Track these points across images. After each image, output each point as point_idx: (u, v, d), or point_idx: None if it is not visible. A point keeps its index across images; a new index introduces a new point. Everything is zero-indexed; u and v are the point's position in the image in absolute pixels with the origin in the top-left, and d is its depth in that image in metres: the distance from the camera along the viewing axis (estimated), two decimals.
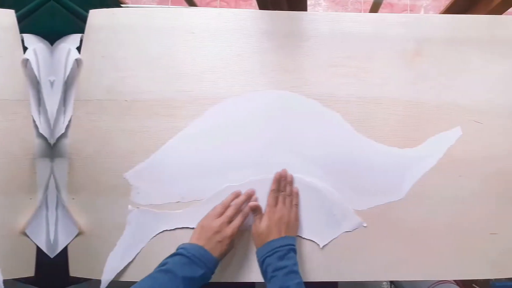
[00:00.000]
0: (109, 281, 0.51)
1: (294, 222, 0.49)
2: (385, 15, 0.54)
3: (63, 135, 0.53)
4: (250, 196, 0.51)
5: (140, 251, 0.52)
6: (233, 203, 0.49)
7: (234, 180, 0.53)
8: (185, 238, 0.51)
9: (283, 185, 0.51)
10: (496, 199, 0.53)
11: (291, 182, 0.51)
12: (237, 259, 0.51)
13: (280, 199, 0.49)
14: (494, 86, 0.54)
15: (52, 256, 0.51)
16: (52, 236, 0.52)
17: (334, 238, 0.52)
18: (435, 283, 0.58)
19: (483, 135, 0.53)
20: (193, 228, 0.52)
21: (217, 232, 0.45)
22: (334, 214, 0.52)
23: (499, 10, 0.56)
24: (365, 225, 0.52)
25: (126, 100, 0.53)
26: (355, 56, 0.54)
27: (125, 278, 0.51)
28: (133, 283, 0.54)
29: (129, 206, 0.52)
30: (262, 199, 0.52)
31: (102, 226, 0.52)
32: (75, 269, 0.52)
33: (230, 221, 0.47)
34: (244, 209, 0.49)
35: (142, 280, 0.41)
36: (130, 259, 0.51)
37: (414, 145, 0.53)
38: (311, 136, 0.53)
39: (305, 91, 0.53)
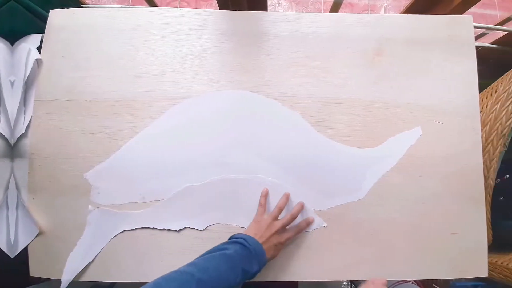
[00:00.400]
0: (69, 281, 0.51)
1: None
2: (346, 15, 0.54)
3: (23, 135, 0.53)
4: (302, 207, 0.51)
5: (100, 251, 0.52)
6: (290, 213, 0.49)
7: (195, 180, 0.53)
8: (146, 238, 0.52)
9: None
10: (456, 199, 0.53)
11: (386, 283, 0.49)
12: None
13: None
14: (454, 86, 0.54)
15: (12, 256, 0.51)
16: (12, 236, 0.52)
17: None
18: (395, 283, 0.58)
19: (443, 135, 0.53)
20: (153, 228, 0.52)
21: (276, 235, 0.46)
22: None
23: (459, 10, 0.56)
24: (325, 225, 0.52)
25: (86, 100, 0.53)
26: (315, 56, 0.54)
27: (85, 278, 0.51)
28: (93, 283, 0.54)
29: (89, 206, 0.52)
30: (223, 198, 0.52)
31: (62, 226, 0.52)
32: (35, 269, 0.52)
33: (285, 229, 0.48)
34: (301, 224, 0.50)
35: (204, 259, 0.40)
36: (91, 259, 0.51)
37: (375, 145, 0.53)
38: (271, 136, 0.53)
39: (265, 91, 0.53)
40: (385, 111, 0.53)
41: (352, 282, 0.62)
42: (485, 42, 0.69)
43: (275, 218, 0.48)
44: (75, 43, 0.54)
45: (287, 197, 0.51)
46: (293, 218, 0.49)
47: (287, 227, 0.49)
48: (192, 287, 0.35)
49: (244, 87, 0.53)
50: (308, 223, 0.51)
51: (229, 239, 0.45)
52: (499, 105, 0.56)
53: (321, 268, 0.52)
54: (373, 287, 0.47)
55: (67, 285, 0.50)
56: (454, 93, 0.53)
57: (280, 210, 0.49)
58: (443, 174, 0.53)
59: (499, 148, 0.55)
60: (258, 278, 0.50)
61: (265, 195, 0.51)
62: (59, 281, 0.51)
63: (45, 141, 0.53)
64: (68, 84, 0.53)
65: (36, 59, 0.53)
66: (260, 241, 0.44)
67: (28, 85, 0.53)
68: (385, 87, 0.54)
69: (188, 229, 0.52)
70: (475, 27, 0.56)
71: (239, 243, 0.43)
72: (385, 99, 0.54)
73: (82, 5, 0.62)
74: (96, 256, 0.51)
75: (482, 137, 0.55)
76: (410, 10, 0.65)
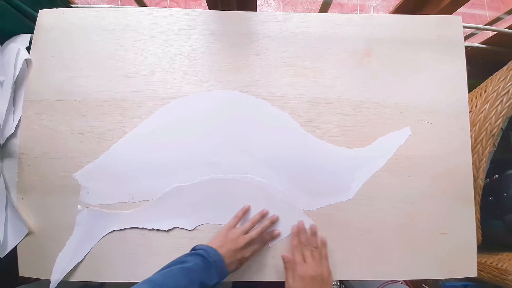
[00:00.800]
0: (59, 281, 0.51)
1: (327, 278, 0.46)
2: (335, 15, 0.54)
3: (12, 135, 0.53)
4: (274, 223, 0.51)
5: (89, 251, 0.52)
6: (260, 226, 0.49)
7: (184, 180, 0.53)
8: (135, 238, 0.52)
9: (304, 238, 0.49)
10: (445, 199, 0.53)
11: (315, 233, 0.50)
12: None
13: (308, 254, 0.47)
14: (443, 86, 0.54)
15: (1, 256, 0.51)
16: (1, 236, 0.52)
17: (283, 238, 0.52)
18: (385, 283, 0.58)
19: (432, 135, 0.53)
20: (142, 228, 0.52)
21: (241, 249, 0.46)
22: (283, 214, 0.52)
23: (448, 10, 0.56)
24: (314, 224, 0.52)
25: (75, 100, 0.53)
26: (304, 56, 0.54)
27: (75, 278, 0.51)
28: (83, 283, 0.54)
29: (79, 206, 0.52)
30: (212, 198, 0.52)
31: (51, 226, 0.52)
32: (25, 269, 0.52)
33: (252, 243, 0.48)
34: (266, 237, 0.50)
35: (162, 274, 0.39)
36: (80, 259, 0.51)
37: (364, 145, 0.53)
38: (261, 136, 0.53)
39: (254, 91, 0.53)
40: (374, 111, 0.53)
41: (341, 282, 0.62)
42: (474, 42, 0.69)
43: (245, 232, 0.48)
44: (64, 43, 0.54)
45: (262, 216, 0.50)
46: (262, 231, 0.49)
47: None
48: None
49: (234, 87, 0.53)
50: (272, 237, 0.51)
51: (192, 249, 0.45)
52: (488, 105, 0.56)
53: None
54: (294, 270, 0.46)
55: (56, 284, 0.50)
56: (443, 93, 0.53)
57: (252, 225, 0.49)
58: (432, 174, 0.53)
59: (488, 148, 0.55)
60: (247, 278, 0.51)
61: (245, 211, 0.51)
62: (49, 281, 0.51)
63: (34, 141, 0.53)
64: (57, 84, 0.53)
65: (26, 59, 0.53)
66: (224, 253, 0.44)
67: (17, 85, 0.53)
68: (374, 87, 0.54)
69: (177, 229, 0.52)
70: (464, 27, 0.56)
71: (200, 255, 0.42)
72: (374, 99, 0.54)
73: (71, 5, 0.62)
74: (85, 256, 0.51)
75: (471, 137, 0.55)
76: (399, 10, 0.65)
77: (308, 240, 0.49)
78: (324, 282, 0.45)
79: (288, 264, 0.47)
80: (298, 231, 0.50)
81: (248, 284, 0.52)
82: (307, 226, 0.51)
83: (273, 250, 0.51)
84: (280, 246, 0.52)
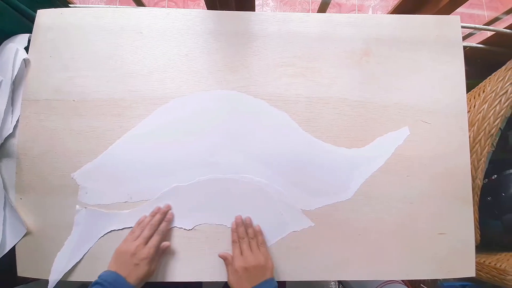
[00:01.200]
0: (57, 281, 0.51)
1: (264, 265, 0.47)
2: (333, 15, 0.54)
3: (11, 135, 0.53)
4: (165, 213, 0.50)
5: (88, 251, 0.52)
6: (149, 223, 0.48)
7: (182, 180, 0.53)
8: None
9: (241, 232, 0.50)
10: (444, 199, 0.53)
11: (249, 224, 0.51)
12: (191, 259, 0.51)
13: (245, 247, 0.48)
14: (442, 86, 0.54)
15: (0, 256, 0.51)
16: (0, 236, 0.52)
17: (281, 237, 0.52)
18: (383, 283, 0.58)
19: (431, 135, 0.53)
20: None
21: (133, 254, 0.44)
22: (281, 214, 0.52)
23: (447, 10, 0.56)
24: (313, 224, 0.52)
25: (74, 100, 0.53)
26: (303, 56, 0.54)
27: (73, 278, 0.51)
28: (81, 283, 0.54)
29: (77, 206, 0.52)
30: (211, 198, 0.52)
31: (50, 226, 0.52)
32: (23, 269, 0.52)
33: (147, 242, 0.47)
34: (161, 227, 0.49)
35: None
36: (78, 259, 0.51)
37: (362, 145, 0.53)
38: (259, 136, 0.53)
39: (253, 91, 0.53)
40: (373, 111, 0.53)
41: (340, 282, 0.62)
42: (472, 42, 0.69)
43: (135, 239, 0.47)
44: (62, 43, 0.54)
45: (153, 214, 0.50)
46: (152, 229, 0.48)
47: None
48: None
49: (232, 87, 0.53)
50: (168, 220, 0.50)
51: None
52: (486, 105, 0.56)
53: (309, 268, 0.52)
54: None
55: (54, 284, 0.50)
56: (441, 93, 0.53)
57: (141, 229, 0.48)
58: (431, 174, 0.53)
59: (486, 148, 0.55)
60: None
61: (150, 218, 0.50)
62: (47, 281, 0.51)
63: (32, 141, 0.53)
64: (55, 84, 0.53)
65: (24, 59, 0.53)
66: (117, 269, 0.44)
67: (15, 85, 0.53)
68: (372, 87, 0.54)
69: (175, 228, 0.52)
70: (462, 27, 0.57)
71: (97, 283, 0.42)
72: (373, 99, 0.54)
73: (69, 5, 0.62)
74: (83, 256, 0.51)
75: (469, 137, 0.55)
76: (398, 10, 0.65)
77: (243, 233, 0.50)
78: (260, 269, 0.46)
79: (226, 261, 0.49)
80: (236, 227, 0.50)
81: None
82: (303, 226, 0.52)
83: (271, 250, 0.51)
84: (279, 245, 0.52)
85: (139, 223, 0.50)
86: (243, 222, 0.51)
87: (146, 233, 0.47)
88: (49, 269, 0.51)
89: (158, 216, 0.50)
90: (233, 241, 0.50)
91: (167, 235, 0.51)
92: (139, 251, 0.45)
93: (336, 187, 0.53)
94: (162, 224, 0.49)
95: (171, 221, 0.51)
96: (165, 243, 0.49)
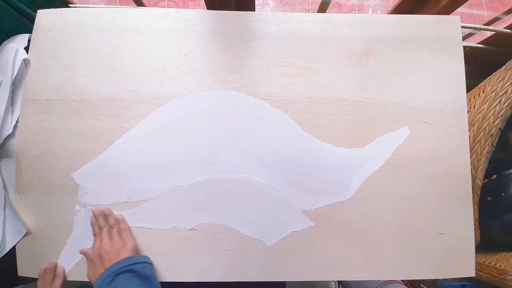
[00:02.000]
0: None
1: (121, 246, 0.47)
2: (333, 15, 0.54)
3: (10, 135, 0.53)
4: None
5: None
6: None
7: (182, 180, 0.53)
8: (134, 237, 0.51)
9: (101, 221, 0.50)
10: (443, 199, 0.53)
11: (109, 213, 0.50)
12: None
13: (103, 235, 0.49)
14: (442, 86, 0.54)
15: (0, 256, 0.51)
16: (0, 236, 0.52)
17: (281, 238, 0.52)
18: (383, 283, 0.58)
19: (430, 135, 0.53)
20: (141, 227, 0.52)
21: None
22: (281, 214, 0.52)
23: (446, 10, 0.56)
24: (312, 225, 0.52)
25: (74, 100, 0.53)
26: (303, 56, 0.54)
27: (73, 278, 0.51)
28: (81, 283, 0.54)
29: (77, 206, 0.52)
30: (211, 198, 0.52)
31: (50, 226, 0.52)
32: (24, 269, 0.52)
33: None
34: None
35: None
36: (79, 259, 0.51)
37: (362, 145, 0.53)
38: (259, 136, 0.53)
39: (252, 91, 0.53)
40: (373, 111, 0.53)
41: (340, 282, 0.62)
42: (472, 42, 0.69)
43: None
44: (62, 43, 0.54)
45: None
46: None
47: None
48: None
49: (232, 87, 0.53)
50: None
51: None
52: (486, 105, 0.56)
53: (309, 268, 0.52)
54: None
55: None
56: (441, 93, 0.53)
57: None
58: (431, 174, 0.53)
59: (486, 148, 0.55)
60: (247, 278, 0.51)
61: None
62: None
63: (32, 141, 0.53)
64: (55, 84, 0.53)
65: (24, 59, 0.53)
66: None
67: (15, 85, 0.53)
68: (372, 87, 0.54)
69: (175, 228, 0.52)
70: (462, 27, 0.56)
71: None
72: (373, 99, 0.54)
73: (69, 5, 0.62)
74: (83, 256, 0.51)
75: (469, 137, 0.55)
76: (398, 10, 0.65)
77: (104, 223, 0.50)
78: (115, 252, 0.46)
79: (86, 255, 0.48)
80: (95, 219, 0.50)
81: (247, 284, 0.52)
82: (303, 226, 0.52)
83: (271, 250, 0.51)
84: (279, 246, 0.52)
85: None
86: (102, 212, 0.50)
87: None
88: None
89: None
90: (94, 234, 0.50)
91: None
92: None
93: (335, 187, 0.53)
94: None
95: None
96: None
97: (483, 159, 0.55)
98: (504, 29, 0.64)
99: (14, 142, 0.53)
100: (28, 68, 0.54)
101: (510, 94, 0.54)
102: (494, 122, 0.55)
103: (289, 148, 0.53)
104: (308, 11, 1.12)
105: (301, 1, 1.14)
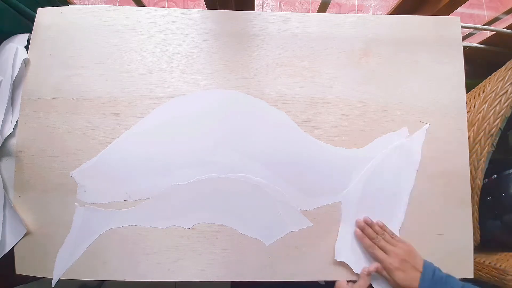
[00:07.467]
0: (60, 276, 0.51)
1: (410, 247, 0.48)
2: (333, 15, 0.54)
3: (11, 135, 0.53)
4: None
5: (86, 249, 0.51)
6: None
7: (181, 179, 0.53)
8: (132, 236, 0.52)
9: (372, 233, 0.50)
10: (442, 199, 0.53)
11: (371, 223, 0.51)
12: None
13: (383, 243, 0.49)
14: (441, 87, 0.54)
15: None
16: None
17: (280, 237, 0.52)
18: None
19: (430, 135, 0.53)
20: (139, 226, 0.52)
21: None
22: (280, 214, 0.52)
23: (446, 10, 0.56)
24: (311, 225, 0.52)
25: (73, 99, 0.53)
26: (302, 56, 0.54)
27: (73, 276, 0.51)
28: (81, 283, 0.54)
29: (76, 204, 0.52)
30: (209, 197, 0.52)
31: (48, 224, 0.52)
32: (21, 268, 0.52)
33: None
34: None
35: None
36: (78, 256, 0.51)
37: (361, 145, 0.53)
38: (258, 136, 0.53)
39: (252, 91, 0.53)
40: (372, 111, 0.53)
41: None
42: (472, 42, 0.69)
43: None
44: (62, 41, 0.54)
45: None
46: None
47: None
48: None
49: (231, 86, 0.53)
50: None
51: None
52: (486, 105, 0.56)
53: (308, 268, 0.52)
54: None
55: (57, 279, 0.50)
56: (441, 94, 0.53)
57: None
58: (430, 174, 0.53)
59: (487, 148, 0.55)
60: (245, 278, 0.51)
61: None
62: (47, 281, 0.51)
63: (31, 139, 0.53)
64: (55, 83, 0.53)
65: (24, 59, 0.53)
66: None
67: (15, 84, 0.53)
68: (372, 88, 0.54)
69: (174, 227, 0.51)
70: (462, 27, 0.56)
71: None
72: (372, 100, 0.54)
73: (69, 5, 0.62)
74: (82, 254, 0.51)
75: (469, 137, 0.55)
76: (398, 10, 0.65)
77: (374, 233, 0.50)
78: (412, 254, 0.48)
79: (378, 270, 0.48)
80: (363, 230, 0.50)
81: (247, 284, 0.52)
82: (302, 226, 0.52)
83: (270, 250, 0.51)
84: (278, 245, 0.51)
85: None
86: (365, 222, 0.51)
87: None
88: (47, 267, 0.51)
89: None
90: (369, 247, 0.49)
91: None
92: None
93: (334, 187, 0.53)
94: None
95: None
96: None
97: (483, 159, 0.55)
98: (504, 29, 0.64)
99: (14, 142, 0.53)
100: (28, 67, 0.54)
101: (510, 94, 0.54)
102: (494, 122, 0.54)
103: (288, 148, 0.53)
104: (308, 11, 1.12)
105: (301, 1, 1.14)
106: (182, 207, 0.52)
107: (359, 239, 0.51)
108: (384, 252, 0.48)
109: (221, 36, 0.54)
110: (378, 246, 0.49)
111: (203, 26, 0.54)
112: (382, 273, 0.48)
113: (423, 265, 0.46)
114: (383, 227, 0.50)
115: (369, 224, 0.51)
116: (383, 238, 0.49)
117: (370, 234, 0.50)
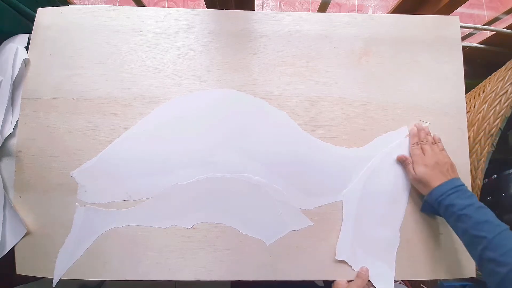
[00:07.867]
0: (60, 276, 0.51)
1: (452, 163, 0.49)
2: (333, 14, 0.54)
3: (11, 135, 0.53)
4: None
5: (87, 249, 0.51)
6: None
7: (182, 179, 0.53)
8: (132, 236, 0.52)
9: (423, 136, 0.51)
10: None
11: (429, 132, 0.53)
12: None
13: (427, 147, 0.50)
14: (441, 86, 0.54)
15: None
16: None
17: (280, 237, 0.52)
18: None
19: None
20: (140, 226, 0.52)
21: None
22: (280, 213, 0.52)
23: (446, 10, 0.56)
24: (311, 224, 0.52)
25: (73, 99, 0.53)
26: (302, 55, 0.54)
27: (73, 276, 0.51)
28: (81, 283, 0.54)
29: (76, 204, 0.52)
30: (210, 197, 0.52)
31: (49, 224, 0.52)
32: (22, 267, 0.52)
33: None
34: None
35: None
36: (79, 256, 0.51)
37: (361, 144, 0.53)
38: (258, 135, 0.53)
39: (252, 90, 0.53)
40: (372, 110, 0.53)
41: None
42: (472, 42, 0.69)
43: None
44: (62, 41, 0.54)
45: None
46: None
47: None
48: None
49: (231, 86, 0.53)
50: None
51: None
52: (486, 105, 0.56)
53: (308, 267, 0.52)
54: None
55: (58, 279, 0.50)
56: (441, 93, 0.53)
57: None
58: None
59: (487, 148, 0.55)
60: (246, 277, 0.51)
61: None
62: (47, 281, 0.51)
63: (32, 139, 0.53)
64: (55, 82, 0.53)
65: (24, 59, 0.53)
66: None
67: (16, 85, 0.53)
68: (372, 87, 0.54)
69: (174, 227, 0.51)
70: (462, 27, 0.57)
71: None
72: (372, 99, 0.54)
73: (69, 5, 0.62)
74: (83, 254, 0.51)
75: (469, 137, 0.55)
76: (398, 10, 0.65)
77: (426, 137, 0.51)
78: (450, 165, 0.48)
79: (407, 160, 0.51)
80: (418, 131, 0.52)
81: (247, 284, 0.52)
82: (302, 226, 0.52)
83: (270, 249, 0.51)
84: (278, 245, 0.51)
85: None
86: (424, 130, 0.52)
87: None
88: (48, 267, 0.51)
89: None
90: (414, 143, 0.51)
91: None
92: None
93: (335, 187, 0.53)
94: None
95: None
96: None
97: (483, 159, 0.55)
98: (504, 29, 0.64)
99: (15, 142, 0.53)
100: (28, 67, 0.54)
101: (510, 94, 0.54)
102: (494, 122, 0.54)
103: (288, 147, 0.53)
104: (308, 11, 1.13)
105: (301, 1, 1.14)
106: (183, 207, 0.52)
107: (410, 134, 0.52)
108: (423, 152, 0.50)
109: (221, 36, 0.54)
110: (422, 147, 0.51)
111: (203, 26, 0.54)
112: (408, 165, 0.51)
113: (454, 178, 0.47)
114: (436, 140, 0.52)
115: (425, 132, 0.52)
116: (430, 145, 0.50)
117: (421, 137, 0.52)
